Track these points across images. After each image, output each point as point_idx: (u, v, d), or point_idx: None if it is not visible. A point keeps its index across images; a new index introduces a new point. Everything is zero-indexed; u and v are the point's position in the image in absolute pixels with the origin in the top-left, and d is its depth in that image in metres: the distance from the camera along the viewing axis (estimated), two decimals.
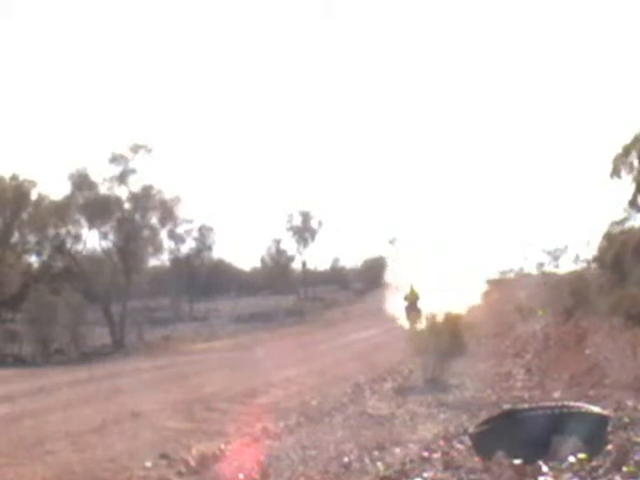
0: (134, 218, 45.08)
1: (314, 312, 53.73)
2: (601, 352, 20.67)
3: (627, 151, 28.66)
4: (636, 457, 8.22)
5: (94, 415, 14.92)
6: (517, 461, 8.24)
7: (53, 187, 46.48)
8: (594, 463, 8.08)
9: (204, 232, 58.89)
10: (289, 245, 62.37)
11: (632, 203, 29.29)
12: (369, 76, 77.94)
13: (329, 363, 23.38)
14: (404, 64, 75.11)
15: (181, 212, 47.39)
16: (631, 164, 28.72)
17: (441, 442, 10.66)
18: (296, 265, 64.01)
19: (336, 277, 70.04)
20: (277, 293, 60.60)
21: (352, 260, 73.06)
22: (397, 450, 10.48)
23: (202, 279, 59.74)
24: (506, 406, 12.72)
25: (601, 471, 7.84)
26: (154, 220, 46.20)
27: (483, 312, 32.53)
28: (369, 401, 15.62)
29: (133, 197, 45.12)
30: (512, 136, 72.89)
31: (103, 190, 44.36)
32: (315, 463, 10.03)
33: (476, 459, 9.02)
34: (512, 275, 52.83)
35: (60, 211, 42.92)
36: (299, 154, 79.05)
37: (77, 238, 44.23)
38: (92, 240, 44.68)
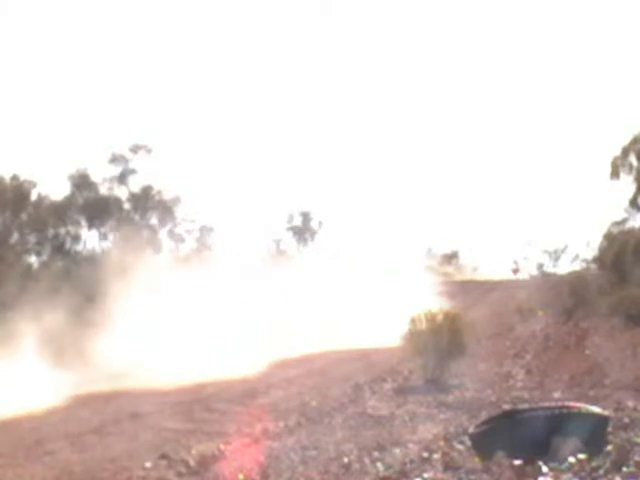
0: (134, 218, 45.10)
1: None
2: (601, 352, 20.68)
3: (626, 152, 28.69)
4: (636, 457, 8.22)
5: (93, 416, 14.91)
6: (517, 461, 8.25)
7: (53, 187, 46.43)
8: (594, 463, 8.08)
9: (204, 232, 58.80)
10: (289, 245, 62.24)
11: (632, 203, 29.32)
12: (369, 74, 77.90)
13: (329, 363, 23.35)
14: (404, 62, 74.92)
15: (181, 212, 47.41)
16: (630, 165, 28.76)
17: (441, 442, 10.65)
18: None
19: None
20: None
21: None
22: (397, 450, 10.47)
23: None
24: (506, 406, 12.73)
25: (601, 471, 7.84)
26: (154, 220, 46.24)
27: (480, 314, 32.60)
28: (369, 401, 15.60)
29: (133, 197, 45.16)
30: (511, 137, 72.72)
31: (103, 190, 44.42)
32: (315, 464, 10.02)
33: (476, 459, 9.02)
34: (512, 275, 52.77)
35: (60, 211, 42.93)
36: (299, 154, 78.93)
37: (76, 238, 44.23)
38: (92, 240, 44.71)
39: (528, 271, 50.82)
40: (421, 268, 56.04)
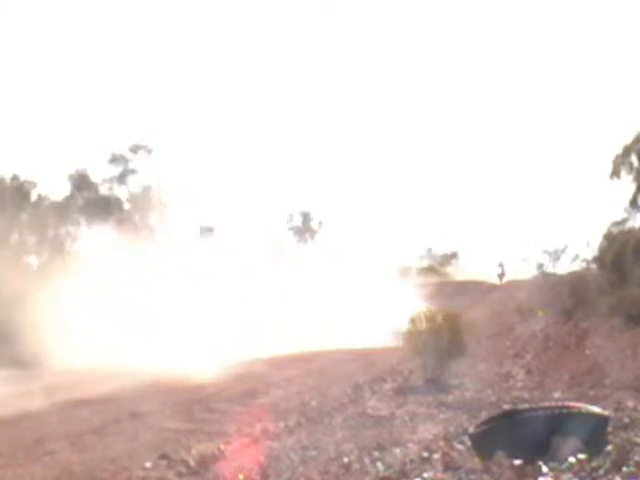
0: (134, 218, 45.13)
1: None
2: (601, 352, 20.69)
3: (627, 151, 28.70)
4: (636, 457, 8.23)
5: (93, 415, 14.90)
6: (517, 461, 8.25)
7: (53, 187, 46.57)
8: (594, 463, 8.08)
9: (205, 232, 58.79)
10: (289, 245, 62.20)
11: (632, 203, 29.34)
12: (369, 74, 77.89)
13: (329, 363, 23.36)
14: (404, 62, 74.92)
15: (181, 212, 47.44)
16: (631, 164, 28.77)
17: (441, 442, 10.66)
18: None
19: None
20: None
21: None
22: (397, 450, 10.47)
23: None
24: (506, 406, 12.73)
25: (601, 471, 7.85)
26: (154, 220, 46.26)
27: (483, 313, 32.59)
28: (369, 401, 15.61)
29: (133, 197, 45.18)
30: (511, 137, 72.80)
31: (103, 190, 44.47)
32: (315, 464, 10.02)
33: (476, 459, 9.03)
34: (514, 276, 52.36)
35: (60, 211, 42.96)
36: (299, 154, 78.97)
37: (76, 238, 44.24)
38: (92, 240, 44.70)
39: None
40: (420, 268, 56.11)
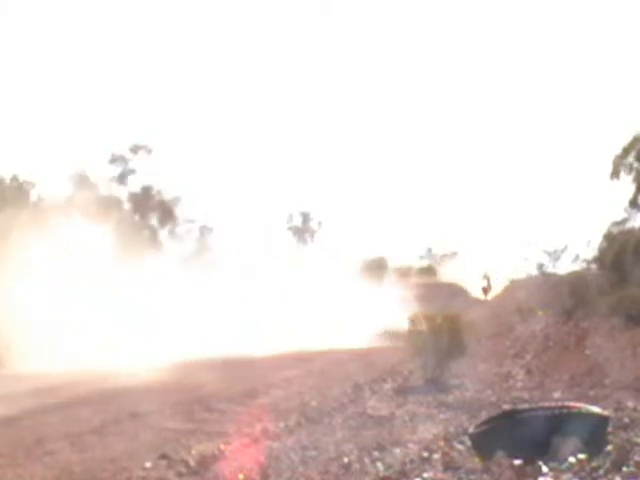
0: (134, 219, 45.19)
1: None
2: (601, 352, 20.70)
3: (626, 152, 28.72)
4: (636, 457, 8.23)
5: (93, 415, 14.89)
6: (517, 461, 8.25)
7: (53, 187, 46.70)
8: (594, 463, 8.08)
9: (204, 232, 58.84)
10: (289, 245, 62.25)
11: (632, 203, 29.36)
12: (369, 74, 77.99)
13: (329, 363, 23.36)
14: (404, 62, 75.07)
15: (181, 212, 47.51)
16: (630, 165, 28.79)
17: (441, 442, 10.66)
18: None
19: None
20: None
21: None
22: (397, 450, 10.47)
23: None
24: (506, 406, 12.74)
25: (601, 471, 7.85)
26: (154, 221, 46.31)
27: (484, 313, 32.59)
28: (369, 401, 15.61)
29: (133, 198, 45.22)
30: (511, 137, 72.93)
31: (103, 190, 44.51)
32: (315, 464, 10.02)
33: (476, 459, 9.03)
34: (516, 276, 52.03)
35: (60, 212, 42.99)
36: (299, 154, 79.03)
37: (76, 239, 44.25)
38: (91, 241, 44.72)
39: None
40: (420, 268, 56.13)
